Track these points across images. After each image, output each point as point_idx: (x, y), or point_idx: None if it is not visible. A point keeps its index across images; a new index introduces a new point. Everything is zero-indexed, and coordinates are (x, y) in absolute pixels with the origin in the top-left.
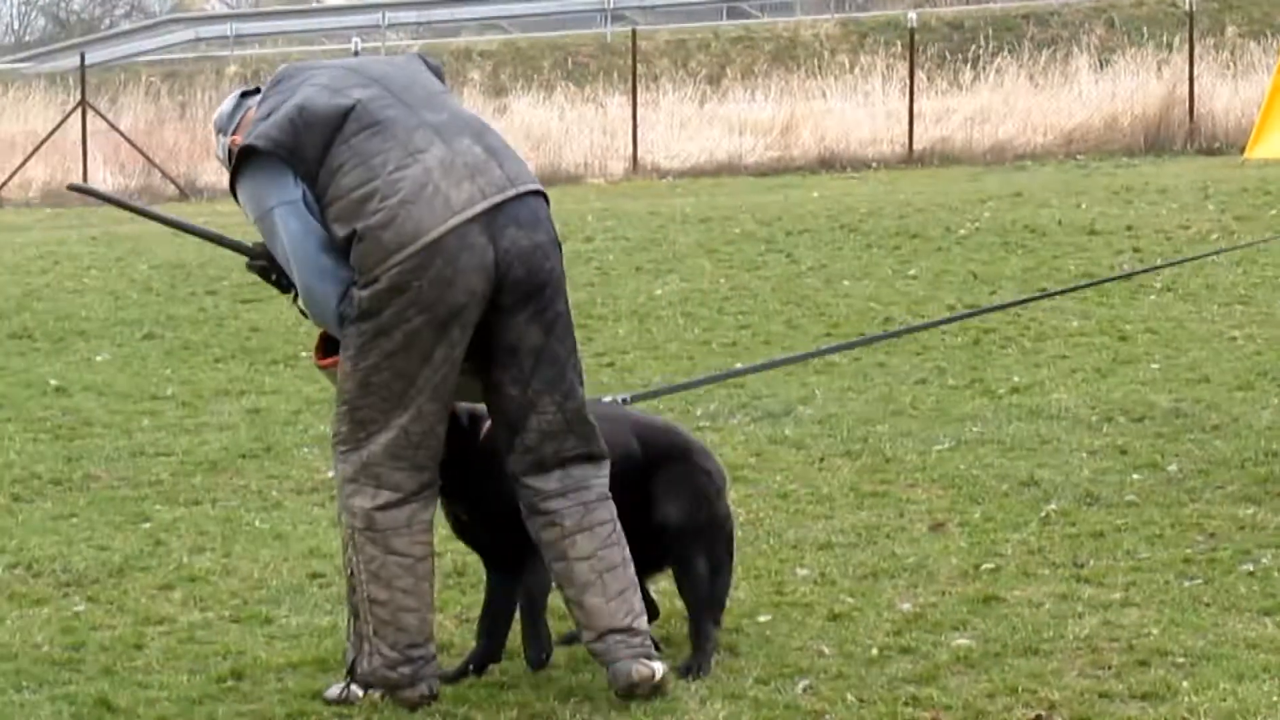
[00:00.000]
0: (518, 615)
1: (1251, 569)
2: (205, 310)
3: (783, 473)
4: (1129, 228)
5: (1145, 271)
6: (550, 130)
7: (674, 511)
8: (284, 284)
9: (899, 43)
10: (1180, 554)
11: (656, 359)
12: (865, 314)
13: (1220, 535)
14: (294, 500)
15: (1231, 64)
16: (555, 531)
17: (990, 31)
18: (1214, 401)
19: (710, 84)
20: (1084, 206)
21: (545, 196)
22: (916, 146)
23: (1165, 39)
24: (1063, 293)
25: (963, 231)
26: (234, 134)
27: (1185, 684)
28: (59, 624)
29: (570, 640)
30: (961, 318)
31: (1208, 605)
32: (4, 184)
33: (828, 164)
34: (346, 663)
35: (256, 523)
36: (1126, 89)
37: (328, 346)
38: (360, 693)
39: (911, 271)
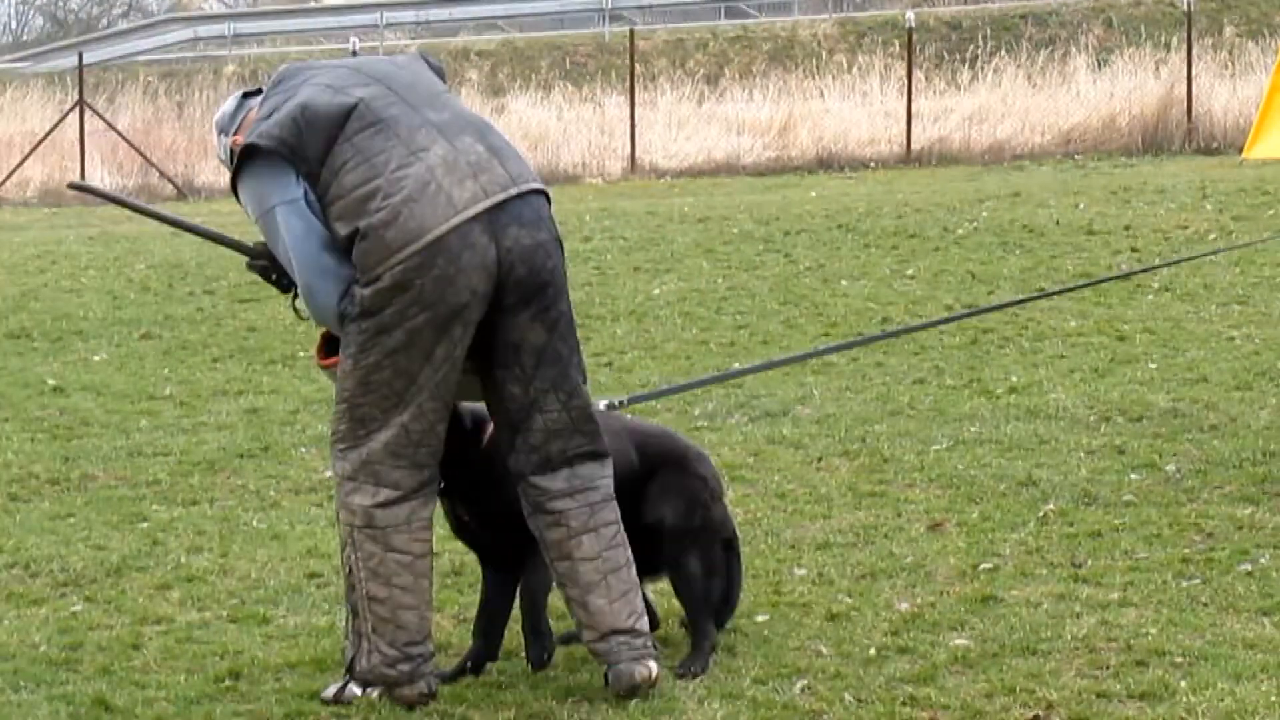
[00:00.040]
0: (515, 615)
1: (1249, 569)
2: (203, 310)
3: (780, 472)
4: (1127, 227)
5: (1149, 270)
6: (548, 130)
7: (668, 515)
8: (284, 284)
9: (897, 42)
10: (1178, 554)
11: (654, 359)
12: (863, 314)
13: (1218, 535)
14: (292, 500)
15: (1229, 64)
16: (561, 532)
17: (988, 31)
18: (1212, 401)
19: (708, 84)
20: (1082, 206)
21: (547, 195)
22: (914, 146)
23: (1163, 39)
24: (1067, 290)
25: (961, 231)
26: (235, 134)
27: (1183, 684)
28: (56, 624)
29: (569, 640)
30: (962, 316)
31: (1206, 605)
32: (2, 183)
33: (826, 164)
34: (345, 661)
35: (254, 522)
36: (1124, 89)
37: (329, 346)
38: (358, 691)
39: (909, 271)
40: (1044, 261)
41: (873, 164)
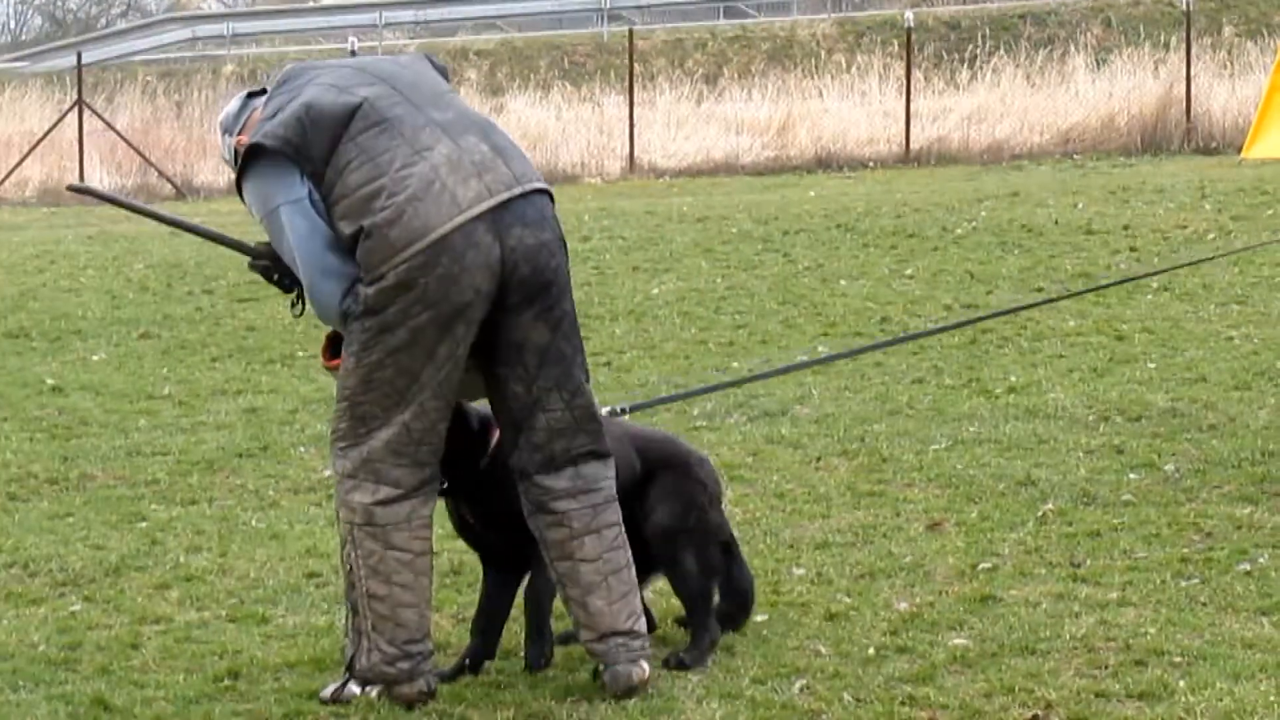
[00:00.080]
0: (513, 614)
1: (1248, 569)
2: (202, 309)
3: (779, 472)
4: (1126, 227)
5: (1163, 272)
6: (547, 130)
7: (664, 516)
8: (285, 284)
9: (896, 42)
10: (1177, 553)
11: (653, 358)
12: (862, 313)
13: (1217, 535)
14: (291, 500)
15: (1228, 64)
16: (563, 532)
17: (987, 31)
18: (1211, 401)
19: (707, 83)
20: (1081, 206)
21: (551, 195)
22: (913, 146)
23: (1162, 39)
24: (1085, 292)
25: (959, 231)
26: (240, 134)
27: (1182, 683)
28: (55, 623)
29: (567, 640)
30: (980, 320)
31: (1204, 605)
32: (0, 183)
33: (824, 164)
34: (345, 659)
35: (253, 522)
36: (1123, 89)
37: (334, 347)
38: (357, 690)
39: (908, 271)
40: (1043, 261)
41: (871, 164)
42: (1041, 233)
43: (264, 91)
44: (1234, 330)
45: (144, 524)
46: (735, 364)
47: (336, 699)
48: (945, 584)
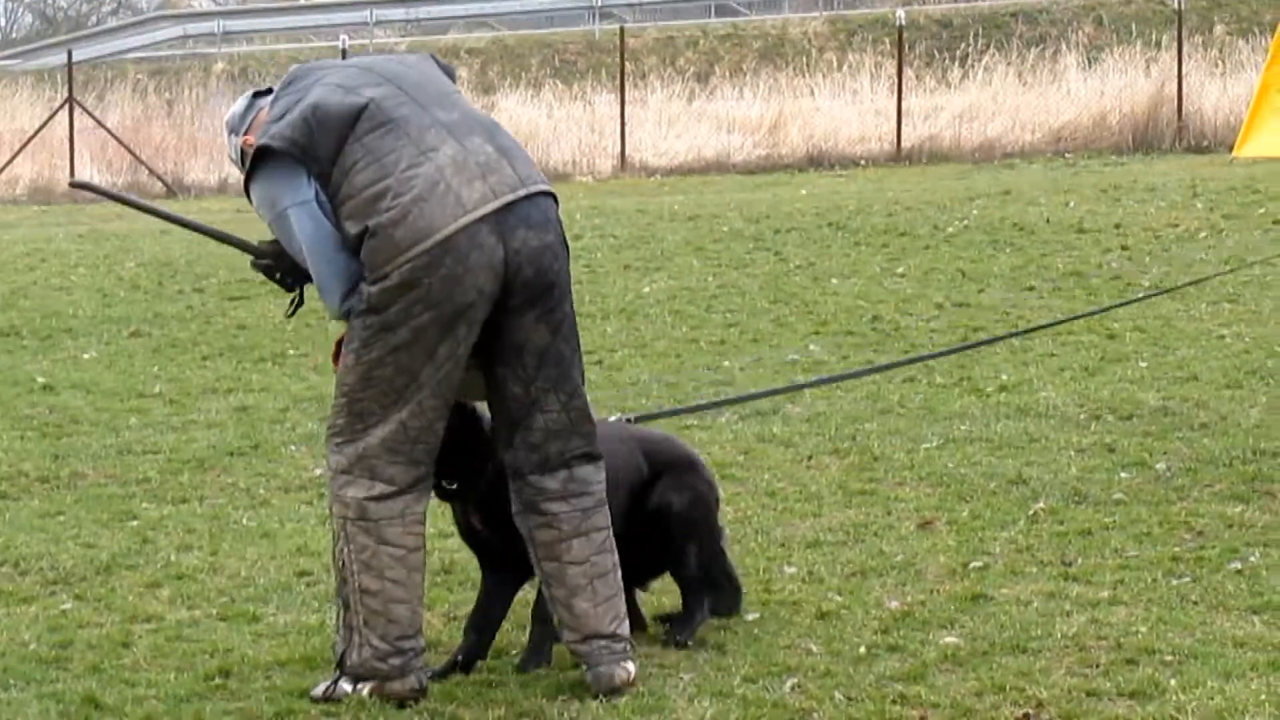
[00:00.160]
0: (508, 616)
1: (1239, 567)
2: (193, 308)
3: (771, 471)
4: (1117, 226)
5: (1200, 281)
6: (538, 128)
7: (676, 505)
8: (288, 283)
9: (887, 40)
10: (1168, 552)
11: (644, 357)
12: (853, 312)
13: (1208, 533)
14: (281, 498)
15: (1220, 62)
16: (552, 534)
17: (979, 29)
18: (1202, 400)
19: (698, 82)
20: (1072, 204)
21: (555, 197)
22: (905, 144)
23: (1154, 37)
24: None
25: (951, 229)
26: (246, 134)
27: (1173, 682)
28: (46, 622)
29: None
30: (1018, 334)
31: (1196, 603)
32: None
33: (816, 162)
34: (335, 656)
35: (244, 520)
36: (1115, 87)
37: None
38: (348, 689)
39: (900, 269)
40: (1034, 260)
41: (863, 162)
42: (1033, 231)
43: (270, 91)
44: (1225, 329)
45: (135, 522)
46: (726, 363)
47: (328, 697)
48: (936, 582)
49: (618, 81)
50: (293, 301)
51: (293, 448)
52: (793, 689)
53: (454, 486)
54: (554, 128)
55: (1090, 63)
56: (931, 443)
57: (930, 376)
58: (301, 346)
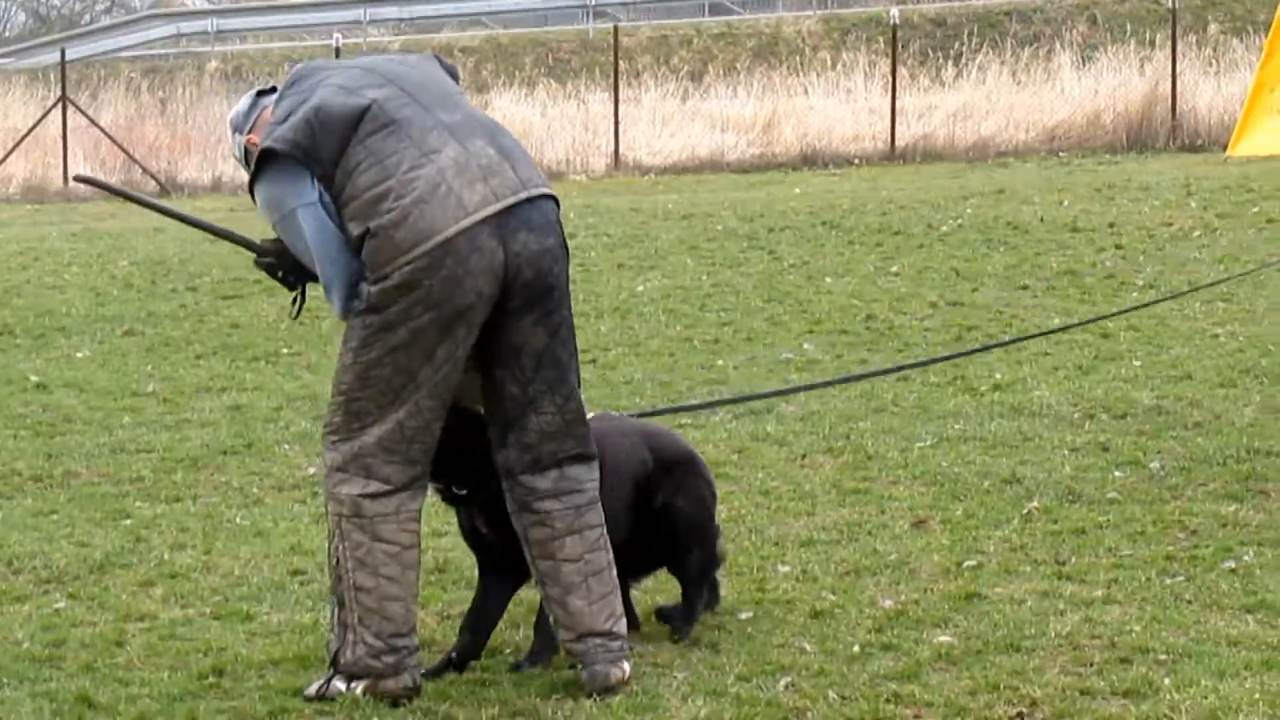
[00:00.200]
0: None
1: (1233, 566)
2: (186, 307)
3: (764, 470)
4: (1111, 225)
5: (1213, 284)
6: (532, 126)
7: (681, 508)
8: (290, 281)
9: (881, 39)
10: (1162, 551)
11: (638, 356)
12: (847, 311)
13: (1202, 532)
14: (275, 497)
15: (1214, 61)
16: (545, 531)
17: (973, 28)
18: (1196, 399)
19: (692, 80)
20: (1066, 204)
21: (557, 200)
22: (899, 143)
23: (1148, 36)
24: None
25: (945, 228)
26: (250, 133)
27: (1167, 681)
28: (40, 621)
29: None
30: (1031, 338)
31: (1189, 603)
32: None
33: (810, 161)
34: (330, 654)
35: (237, 519)
36: (1109, 86)
37: None
38: (342, 688)
39: (894, 268)
40: (1028, 259)
41: (857, 161)
42: (1027, 230)
43: (273, 90)
44: (1219, 328)
45: (128, 521)
46: (720, 361)
47: (321, 696)
48: (930, 581)
49: (612, 80)
50: (295, 300)
51: (286, 446)
52: (787, 688)
53: (464, 492)
54: (548, 126)
55: (1084, 61)
56: (925, 442)
57: (924, 375)
58: (295, 345)
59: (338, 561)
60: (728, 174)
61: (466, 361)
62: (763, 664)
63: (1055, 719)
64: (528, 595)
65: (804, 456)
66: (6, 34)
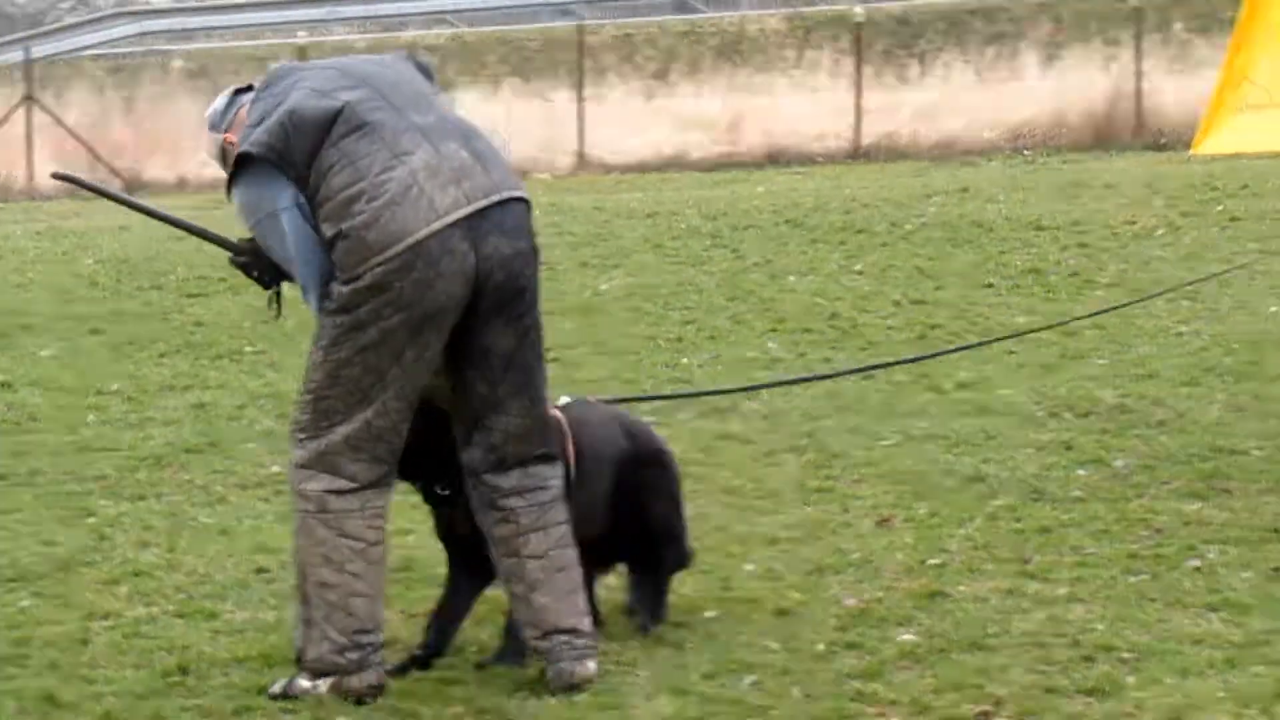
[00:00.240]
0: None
1: (1197, 564)
2: (151, 304)
3: (729, 468)
4: (1075, 223)
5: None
6: (496, 125)
7: (653, 512)
8: (265, 281)
9: (845, 37)
10: (1126, 549)
11: (602, 354)
12: (811, 309)
13: (1166, 531)
14: (239, 495)
15: (1179, 59)
16: (509, 528)
17: (938, 26)
18: (1160, 397)
19: (657, 79)
20: (1030, 202)
21: (529, 203)
22: (863, 142)
23: (1113, 34)
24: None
25: (909, 227)
26: (226, 131)
27: (1131, 679)
28: (4, 619)
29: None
30: (1009, 337)
31: (1153, 601)
32: None
33: (774, 159)
34: (296, 652)
35: (202, 518)
36: (1074, 84)
37: None
38: (306, 685)
39: (857, 267)
40: (992, 257)
41: (821, 159)
42: (991, 228)
43: (250, 88)
44: (1184, 326)
45: (92, 519)
46: (684, 360)
47: (286, 694)
48: (894, 580)
49: (576, 78)
50: (271, 301)
51: (250, 445)
52: (751, 686)
53: (447, 493)
54: (512, 125)
55: (1049, 60)
56: (890, 440)
57: (889, 374)
58: (259, 344)
59: (303, 558)
60: (692, 172)
61: (437, 365)
62: (728, 662)
63: (1019, 717)
64: (492, 593)
65: (768, 455)
66: None
